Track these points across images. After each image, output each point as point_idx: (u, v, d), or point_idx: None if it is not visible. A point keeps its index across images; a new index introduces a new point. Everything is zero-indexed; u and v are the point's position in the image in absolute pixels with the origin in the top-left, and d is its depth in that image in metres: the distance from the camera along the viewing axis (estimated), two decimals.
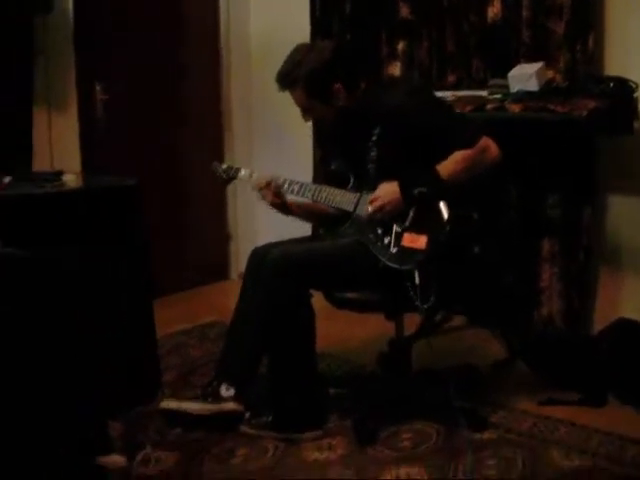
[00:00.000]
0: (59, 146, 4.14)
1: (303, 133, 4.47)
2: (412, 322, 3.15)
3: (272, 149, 4.99)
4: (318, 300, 2.91)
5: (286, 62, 2.91)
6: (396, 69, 4.15)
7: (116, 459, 2.56)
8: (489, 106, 3.33)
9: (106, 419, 2.67)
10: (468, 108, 3.38)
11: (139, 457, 2.67)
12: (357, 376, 3.35)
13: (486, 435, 2.77)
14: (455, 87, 3.85)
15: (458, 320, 4.02)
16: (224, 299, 3.13)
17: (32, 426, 2.34)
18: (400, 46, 4.12)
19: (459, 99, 3.53)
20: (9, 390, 2.26)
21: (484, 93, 3.53)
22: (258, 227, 5.03)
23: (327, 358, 3.43)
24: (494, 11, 3.74)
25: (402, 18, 4.09)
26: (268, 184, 3.02)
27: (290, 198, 3.08)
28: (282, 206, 3.06)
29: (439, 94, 3.53)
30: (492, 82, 3.56)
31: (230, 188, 5.04)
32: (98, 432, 2.59)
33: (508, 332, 3.67)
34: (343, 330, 3.81)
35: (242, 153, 5.15)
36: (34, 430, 2.34)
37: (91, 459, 2.49)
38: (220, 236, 5.25)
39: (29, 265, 2.26)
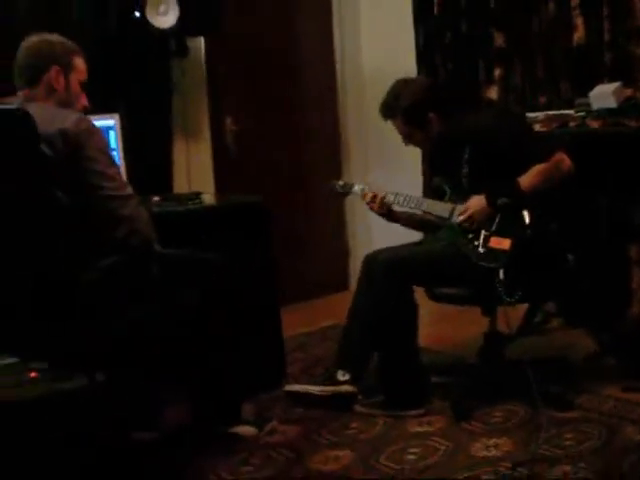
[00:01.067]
0: (195, 171, 4.64)
1: (413, 152, 4.86)
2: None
3: (385, 168, 5.32)
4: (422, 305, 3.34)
5: (386, 95, 3.37)
6: (493, 93, 4.53)
7: (247, 429, 3.07)
8: (572, 123, 3.70)
9: (240, 401, 3.15)
10: (554, 125, 3.75)
11: (267, 429, 3.12)
12: (457, 367, 3.72)
13: (570, 414, 3.10)
14: (546, 107, 4.20)
15: (557, 322, 4.35)
16: (343, 307, 3.55)
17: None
18: (496, 72, 4.50)
19: (548, 118, 3.90)
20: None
21: (571, 112, 3.89)
22: (374, 242, 5.40)
23: (431, 353, 3.80)
24: (579, 35, 4.09)
25: (497, 47, 4.48)
26: (374, 196, 3.46)
27: (397, 208, 3.52)
28: (387, 215, 3.50)
29: (532, 114, 3.94)
30: (578, 101, 3.90)
31: (348, 207, 5.49)
32: (233, 410, 3.09)
33: (599, 330, 3.98)
34: (445, 329, 4.22)
35: (358, 172, 5.50)
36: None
37: (227, 429, 3.03)
38: (340, 250, 5.62)
39: (180, 263, 2.80)
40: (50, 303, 2.45)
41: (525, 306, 3.81)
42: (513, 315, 3.40)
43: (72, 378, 3.56)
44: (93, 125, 2.52)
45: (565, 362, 3.64)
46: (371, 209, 3.50)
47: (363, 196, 3.52)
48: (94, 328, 2.48)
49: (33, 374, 3.72)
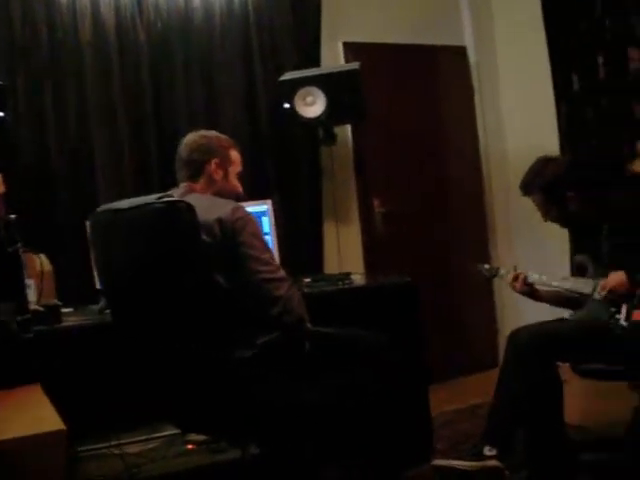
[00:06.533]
0: (345, 252, 4.81)
1: (560, 231, 4.88)
2: None
3: (532, 246, 5.32)
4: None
5: (527, 172, 3.48)
6: (637, 166, 4.54)
7: None
8: None
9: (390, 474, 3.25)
10: None
11: None
12: (604, 443, 3.65)
13: None
14: None
15: None
16: (492, 384, 3.56)
17: None
18: (639, 145, 4.53)
19: None
20: None
21: None
22: (523, 319, 5.29)
23: (578, 429, 3.74)
24: None
25: (638, 120, 4.51)
26: (516, 276, 3.56)
27: (541, 287, 3.58)
28: (530, 293, 3.58)
29: None
30: None
31: (497, 285, 5.47)
32: None
33: None
34: (592, 404, 4.10)
35: (504, 251, 5.59)
36: None
37: None
38: (489, 328, 5.65)
39: (333, 340, 2.93)
40: (208, 378, 2.63)
41: None
42: None
43: (227, 450, 3.78)
44: (247, 213, 2.69)
45: None
46: (514, 289, 3.60)
47: (507, 279, 3.61)
48: (249, 402, 2.63)
49: (190, 446, 3.96)
